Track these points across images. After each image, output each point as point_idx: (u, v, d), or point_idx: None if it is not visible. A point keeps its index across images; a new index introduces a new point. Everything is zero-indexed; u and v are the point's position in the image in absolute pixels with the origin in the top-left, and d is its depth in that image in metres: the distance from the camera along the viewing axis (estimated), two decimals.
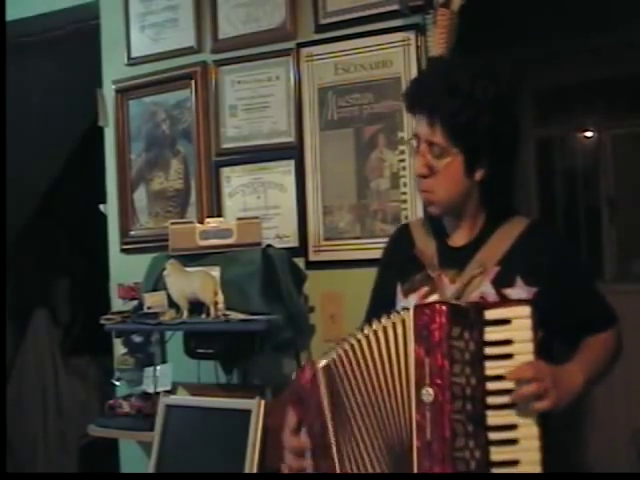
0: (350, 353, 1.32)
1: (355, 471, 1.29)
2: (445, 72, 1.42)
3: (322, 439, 1.32)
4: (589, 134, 4.18)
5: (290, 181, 2.39)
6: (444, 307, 1.25)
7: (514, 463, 1.21)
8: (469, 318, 1.24)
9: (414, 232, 1.57)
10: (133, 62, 2.70)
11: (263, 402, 1.96)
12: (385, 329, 1.30)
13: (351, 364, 1.32)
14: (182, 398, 2.20)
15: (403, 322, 1.28)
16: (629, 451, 3.46)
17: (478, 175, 1.41)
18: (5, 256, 3.64)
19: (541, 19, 3.43)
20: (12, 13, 2.95)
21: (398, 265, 1.55)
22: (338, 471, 1.30)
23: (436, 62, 1.59)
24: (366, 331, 1.32)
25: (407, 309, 1.30)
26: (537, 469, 1.20)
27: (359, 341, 1.32)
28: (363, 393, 1.31)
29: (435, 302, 1.30)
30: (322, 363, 1.35)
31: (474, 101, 1.36)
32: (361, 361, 1.31)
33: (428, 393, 1.22)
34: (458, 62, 1.50)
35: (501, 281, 1.38)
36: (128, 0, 2.71)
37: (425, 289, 1.45)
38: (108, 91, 2.75)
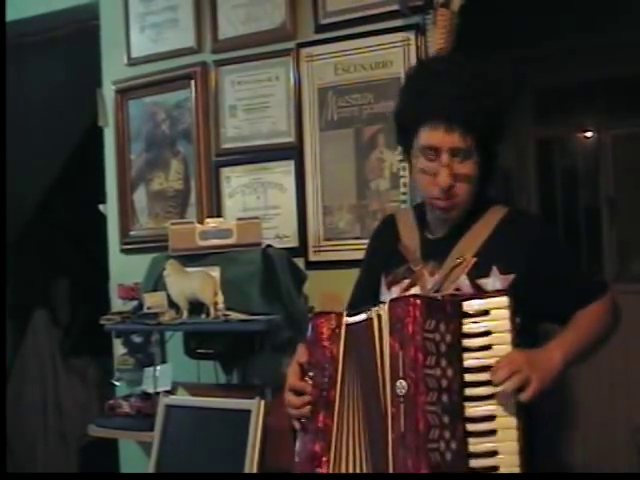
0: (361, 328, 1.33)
1: (344, 449, 1.31)
2: (454, 75, 1.37)
3: (326, 393, 1.34)
4: (589, 134, 4.18)
5: (290, 181, 2.39)
6: (418, 300, 1.26)
7: (492, 454, 1.21)
8: (445, 311, 1.25)
9: (400, 225, 1.57)
10: (133, 62, 2.70)
11: (263, 402, 1.97)
12: (367, 321, 1.31)
13: (360, 339, 1.33)
14: (182, 398, 2.20)
15: (379, 316, 1.29)
16: (629, 451, 3.46)
17: (481, 170, 1.41)
18: (5, 256, 3.64)
19: (541, 19, 3.42)
20: (12, 13, 2.95)
21: (383, 256, 1.56)
22: (334, 432, 1.32)
23: (432, 65, 1.53)
24: (344, 329, 1.35)
25: (384, 303, 1.31)
26: (515, 459, 1.21)
27: (340, 338, 1.34)
28: (355, 373, 1.33)
29: (409, 295, 1.32)
30: (348, 320, 1.36)
31: (493, 95, 1.37)
32: (359, 343, 1.33)
33: (402, 385, 1.23)
34: (455, 61, 1.46)
35: (477, 272, 1.39)
36: (128, 0, 2.71)
37: (407, 282, 1.46)
38: (108, 91, 2.75)
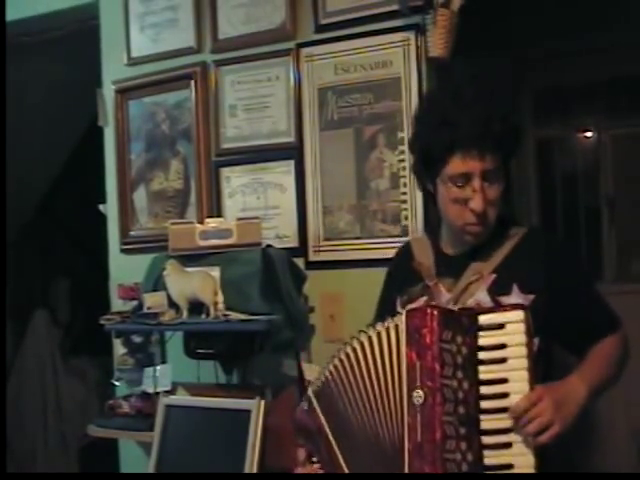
0: (346, 362, 1.36)
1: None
2: (477, 98, 1.34)
3: (329, 457, 1.37)
4: (589, 134, 4.18)
5: (290, 181, 2.39)
6: (435, 311, 1.26)
7: (508, 467, 1.21)
8: (461, 322, 1.25)
9: (414, 247, 1.57)
10: (133, 62, 2.70)
11: (263, 402, 1.97)
12: (379, 334, 1.32)
13: (347, 374, 1.36)
14: (182, 398, 2.20)
15: (396, 327, 1.30)
16: (629, 451, 3.46)
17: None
18: (5, 256, 3.64)
19: (541, 19, 3.43)
20: (12, 13, 2.95)
21: (399, 280, 1.56)
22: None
23: (447, 88, 1.46)
24: (361, 338, 1.35)
25: (400, 313, 1.31)
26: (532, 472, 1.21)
27: (354, 350, 1.35)
28: (359, 401, 1.33)
29: (427, 306, 1.32)
30: (313, 388, 1.42)
31: (515, 116, 1.38)
32: (356, 369, 1.34)
33: (419, 395, 1.23)
34: (474, 82, 1.40)
35: (497, 289, 1.38)
36: (128, 0, 2.71)
37: (422, 299, 1.45)
38: (108, 91, 2.75)
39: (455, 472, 1.20)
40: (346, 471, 1.34)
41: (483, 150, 1.32)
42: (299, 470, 1.44)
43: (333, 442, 1.36)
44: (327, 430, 1.37)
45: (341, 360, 1.36)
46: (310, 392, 1.42)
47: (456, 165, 1.35)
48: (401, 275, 1.56)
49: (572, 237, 4.06)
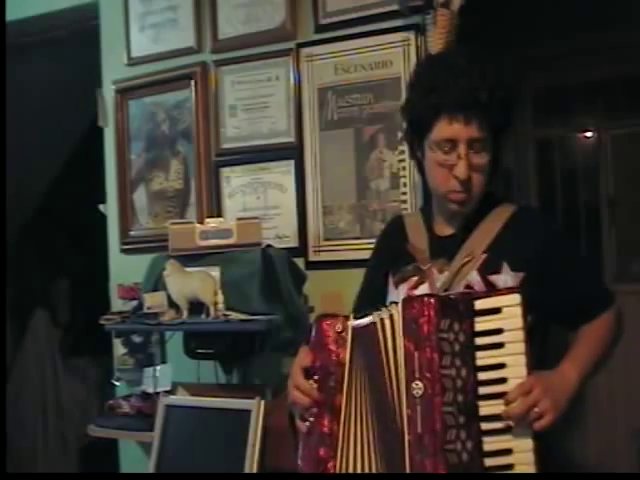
0: (369, 331, 1.32)
1: (351, 454, 1.30)
2: (466, 68, 1.37)
3: (333, 397, 1.33)
4: (589, 134, 4.18)
5: (290, 181, 2.39)
6: (432, 300, 1.25)
7: (507, 452, 1.21)
8: (458, 310, 1.25)
9: (407, 226, 1.57)
10: (133, 62, 2.70)
11: (263, 402, 1.97)
12: (379, 322, 1.30)
13: (368, 342, 1.31)
14: (182, 398, 2.20)
15: (391, 317, 1.28)
16: (629, 451, 3.46)
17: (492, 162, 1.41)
18: (5, 256, 3.64)
19: (541, 19, 3.43)
20: (12, 13, 2.95)
21: (390, 256, 1.55)
22: (340, 438, 1.31)
23: (442, 58, 1.53)
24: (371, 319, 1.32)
25: (396, 303, 1.30)
26: (530, 457, 1.21)
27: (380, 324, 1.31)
28: (363, 378, 1.32)
29: (423, 295, 1.30)
30: (354, 323, 1.34)
31: (505, 87, 1.38)
32: (368, 346, 1.32)
33: (418, 387, 1.23)
34: (465, 54, 1.43)
35: (487, 268, 1.38)
36: (128, 0, 2.71)
37: (415, 279, 1.45)
38: (108, 91, 2.75)
39: (455, 461, 1.19)
40: (343, 415, 1.31)
41: (469, 117, 1.34)
42: (297, 371, 1.37)
43: (346, 381, 1.32)
44: (346, 367, 1.32)
45: (382, 319, 1.30)
46: (351, 323, 1.34)
47: (442, 130, 1.37)
48: (392, 252, 1.55)
49: (572, 237, 4.05)
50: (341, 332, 1.35)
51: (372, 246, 1.70)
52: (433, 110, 1.37)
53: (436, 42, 2.06)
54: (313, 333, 1.38)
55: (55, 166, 3.99)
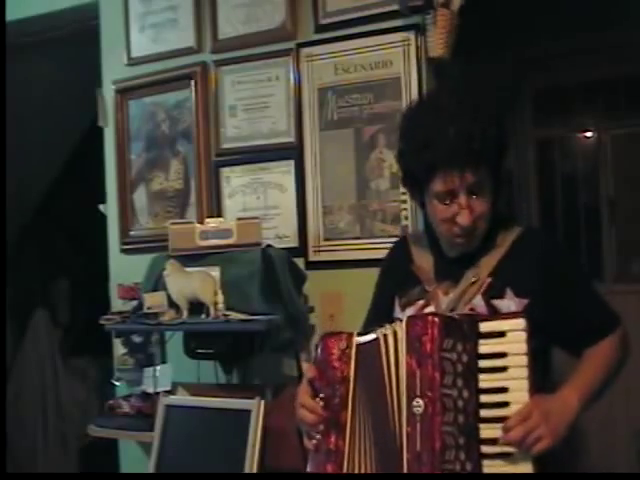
0: (372, 347, 1.32)
1: (356, 470, 1.30)
2: (457, 112, 1.34)
3: (338, 414, 1.33)
4: (589, 134, 4.18)
5: (290, 181, 2.39)
6: (436, 319, 1.25)
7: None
8: (462, 330, 1.24)
9: (412, 247, 1.56)
10: (133, 62, 2.70)
11: (263, 402, 1.97)
12: (382, 338, 1.30)
13: (371, 358, 1.32)
14: (182, 398, 2.20)
15: (395, 333, 1.28)
16: (629, 451, 3.46)
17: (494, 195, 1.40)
18: (5, 256, 3.64)
19: (541, 19, 3.43)
20: (12, 13, 2.95)
21: (396, 279, 1.55)
22: (346, 454, 1.30)
23: (428, 103, 1.50)
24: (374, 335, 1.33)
25: (400, 320, 1.30)
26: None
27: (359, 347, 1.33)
28: (367, 393, 1.32)
29: (428, 314, 1.31)
30: (359, 339, 1.35)
31: (496, 126, 1.36)
32: (372, 361, 1.32)
33: (418, 404, 1.22)
34: (454, 94, 1.40)
35: (491, 293, 1.38)
36: (128, 0, 2.71)
37: (421, 302, 1.45)
38: (108, 91, 2.75)
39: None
40: (348, 430, 1.31)
41: (464, 167, 1.32)
42: (303, 390, 1.38)
43: (350, 397, 1.32)
44: (351, 384, 1.33)
45: (385, 335, 1.31)
46: (355, 340, 1.35)
47: (439, 184, 1.35)
48: (398, 274, 1.55)
49: (572, 237, 4.05)
50: (345, 349, 1.35)
51: (372, 246, 1.71)
52: (427, 167, 1.36)
53: (436, 42, 2.06)
54: (319, 351, 1.39)
55: (55, 166, 3.99)
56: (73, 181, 3.96)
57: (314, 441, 1.35)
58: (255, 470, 1.90)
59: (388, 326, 1.30)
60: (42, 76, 3.49)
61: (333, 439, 1.32)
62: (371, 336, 1.33)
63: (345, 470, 1.31)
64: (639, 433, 3.42)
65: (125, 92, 2.70)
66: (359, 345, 1.34)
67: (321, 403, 1.35)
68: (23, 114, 3.47)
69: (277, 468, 1.95)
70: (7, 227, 3.57)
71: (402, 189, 2.22)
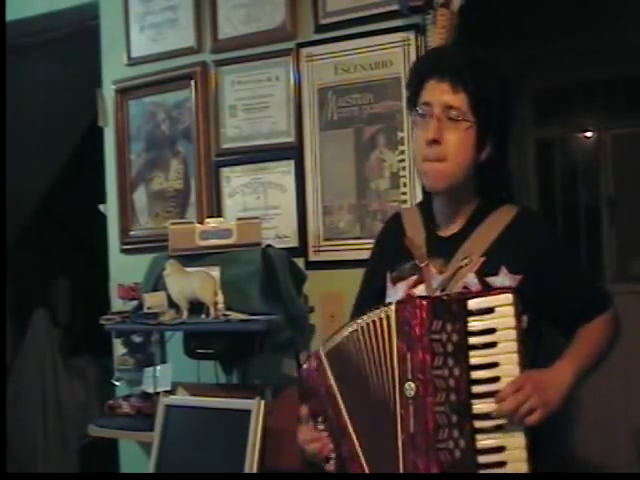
0: (354, 337, 1.35)
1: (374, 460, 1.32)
2: (464, 49, 1.47)
3: (337, 421, 1.35)
4: (589, 134, 4.18)
5: (290, 181, 2.39)
6: (424, 302, 1.27)
7: (500, 449, 1.22)
8: (451, 310, 1.26)
9: (405, 221, 1.57)
10: (133, 62, 2.70)
11: (263, 402, 1.97)
12: (373, 324, 1.32)
13: (348, 354, 1.36)
14: (182, 398, 2.20)
15: (388, 317, 1.30)
16: (629, 451, 3.46)
17: (484, 154, 1.41)
18: (5, 256, 3.64)
19: (541, 19, 3.43)
20: (12, 13, 2.95)
21: (388, 253, 1.56)
22: (361, 454, 1.32)
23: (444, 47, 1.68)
24: (355, 326, 1.36)
25: (391, 304, 1.32)
26: (523, 454, 1.21)
27: (351, 333, 1.36)
28: (356, 386, 1.34)
29: (416, 297, 1.32)
30: (325, 349, 1.39)
31: (496, 75, 1.41)
32: (353, 355, 1.35)
33: (410, 388, 1.25)
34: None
35: (485, 270, 1.38)
36: (128, 0, 2.71)
37: (413, 278, 1.45)
38: (108, 91, 2.75)
39: (448, 459, 1.21)
40: (352, 431, 1.33)
41: (456, 84, 1.37)
42: (302, 429, 1.42)
43: (341, 403, 1.35)
44: (336, 391, 1.36)
45: (354, 331, 1.35)
46: (322, 352, 1.40)
47: (423, 93, 1.42)
48: (391, 249, 1.55)
49: (572, 237, 4.05)
50: (318, 366, 1.39)
51: (372, 246, 1.70)
52: (419, 76, 1.45)
53: (436, 42, 2.06)
54: (302, 384, 1.44)
55: (55, 166, 3.99)
56: (73, 181, 3.97)
57: (331, 462, 1.37)
58: (255, 470, 1.90)
59: (381, 310, 1.33)
60: (42, 76, 3.49)
61: (345, 447, 1.35)
62: (337, 338, 1.37)
63: (367, 466, 1.32)
64: (639, 433, 3.42)
65: (125, 92, 2.70)
66: (327, 353, 1.38)
67: (321, 426, 1.38)
68: (23, 114, 3.47)
69: (277, 468, 1.95)
70: (7, 227, 3.57)
71: (402, 189, 2.23)
